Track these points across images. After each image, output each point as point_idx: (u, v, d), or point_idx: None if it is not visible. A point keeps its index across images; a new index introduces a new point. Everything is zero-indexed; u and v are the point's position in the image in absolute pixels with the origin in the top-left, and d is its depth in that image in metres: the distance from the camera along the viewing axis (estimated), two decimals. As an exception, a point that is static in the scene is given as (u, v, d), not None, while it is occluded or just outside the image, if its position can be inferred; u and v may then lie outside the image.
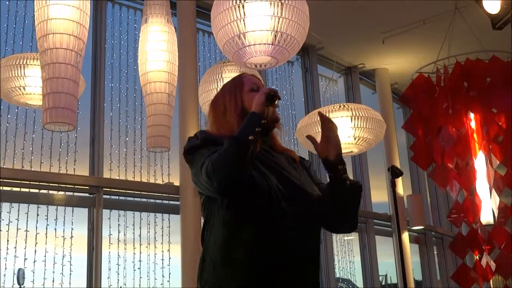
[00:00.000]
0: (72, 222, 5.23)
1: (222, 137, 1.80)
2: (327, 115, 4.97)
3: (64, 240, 5.13)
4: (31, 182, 5.06)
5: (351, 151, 5.19)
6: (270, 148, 1.95)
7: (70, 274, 5.09)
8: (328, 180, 1.88)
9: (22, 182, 5.01)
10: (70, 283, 5.05)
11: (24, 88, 4.15)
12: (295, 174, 1.89)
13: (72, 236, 5.18)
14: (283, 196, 1.78)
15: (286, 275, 1.75)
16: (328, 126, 1.87)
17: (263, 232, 1.75)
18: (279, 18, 3.44)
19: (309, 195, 1.85)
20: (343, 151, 5.16)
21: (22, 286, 4.91)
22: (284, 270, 1.75)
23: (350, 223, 1.95)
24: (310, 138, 1.92)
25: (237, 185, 1.72)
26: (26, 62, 4.11)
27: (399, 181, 7.73)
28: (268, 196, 1.76)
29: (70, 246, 5.15)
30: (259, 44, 3.47)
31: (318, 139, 1.91)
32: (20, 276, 4.88)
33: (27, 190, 5.10)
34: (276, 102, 1.79)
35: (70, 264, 5.12)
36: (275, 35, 3.46)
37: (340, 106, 5.01)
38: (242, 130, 1.71)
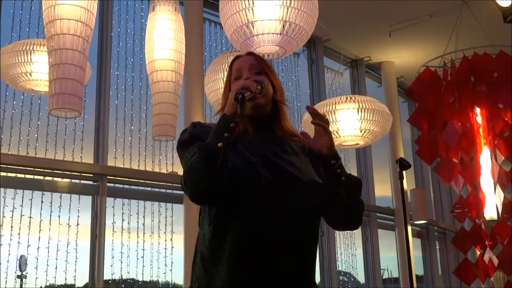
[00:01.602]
0: (78, 210, 5.24)
1: (209, 132, 1.71)
2: (334, 107, 5.00)
3: (69, 227, 5.13)
4: (35, 169, 5.06)
5: (357, 143, 5.18)
6: (272, 131, 1.84)
7: (76, 261, 5.11)
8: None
9: (26, 168, 5.01)
10: (75, 270, 5.07)
11: (30, 74, 4.14)
12: (293, 162, 1.76)
13: (78, 224, 5.19)
14: (272, 188, 1.67)
15: (276, 273, 1.64)
16: (318, 119, 1.76)
17: (249, 229, 1.65)
18: (288, 8, 3.42)
19: (304, 185, 1.72)
20: (349, 143, 5.18)
21: (24, 273, 4.92)
22: (273, 269, 1.64)
23: (350, 220, 1.86)
24: (304, 134, 1.83)
25: (210, 194, 1.66)
26: (32, 48, 4.10)
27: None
28: (255, 188, 1.66)
29: (76, 234, 5.16)
30: (268, 33, 3.46)
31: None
32: (22, 263, 4.89)
33: (31, 176, 5.10)
34: (250, 96, 1.67)
35: (76, 252, 5.13)
36: (284, 25, 3.44)
37: (346, 98, 4.99)
38: (212, 137, 1.63)
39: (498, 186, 6.25)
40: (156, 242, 5.63)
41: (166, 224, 5.73)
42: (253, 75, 1.83)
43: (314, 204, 1.75)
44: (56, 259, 5.00)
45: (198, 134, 1.76)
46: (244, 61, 1.90)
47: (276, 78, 1.90)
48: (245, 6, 3.43)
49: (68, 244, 5.10)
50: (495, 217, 6.38)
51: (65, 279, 5.02)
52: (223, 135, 1.61)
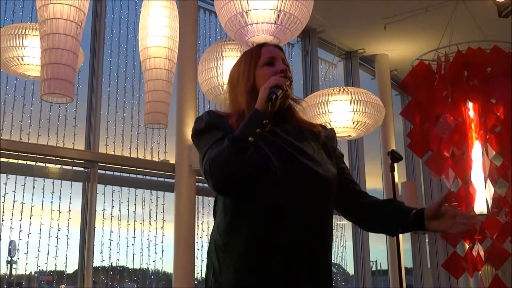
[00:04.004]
0: (70, 196, 5.22)
1: (228, 119, 1.75)
2: (327, 98, 4.99)
3: (60, 214, 5.12)
4: (27, 154, 5.04)
5: (349, 135, 5.19)
6: (285, 121, 1.85)
7: (67, 247, 5.11)
8: (403, 217, 1.83)
9: (19, 154, 4.98)
10: (66, 257, 5.07)
11: (22, 59, 4.10)
12: (308, 153, 1.77)
13: (69, 210, 5.18)
14: (287, 179, 1.69)
15: (288, 265, 1.67)
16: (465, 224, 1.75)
17: (263, 220, 1.67)
18: (283, -2, 3.41)
19: (320, 176, 1.74)
20: (341, 135, 5.18)
21: (13, 258, 4.92)
22: (286, 257, 1.67)
23: (368, 228, 2.04)
24: (447, 205, 1.81)
25: (234, 186, 1.67)
26: (25, 32, 4.06)
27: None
28: (269, 179, 1.68)
29: (68, 220, 5.15)
30: (262, 23, 3.45)
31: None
32: (12, 248, 4.88)
33: (23, 162, 5.08)
34: (282, 93, 1.70)
35: (68, 238, 5.13)
36: (278, 15, 3.43)
37: (340, 90, 4.99)
38: (242, 130, 1.63)
39: (488, 181, 6.28)
40: (147, 230, 5.63)
41: (157, 212, 5.73)
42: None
43: (324, 196, 1.77)
44: (48, 245, 4.99)
45: (215, 123, 1.77)
46: (276, 52, 1.93)
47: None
48: (240, -5, 3.41)
49: (59, 230, 5.08)
50: (485, 211, 6.41)
51: (56, 265, 5.02)
52: (255, 130, 1.62)
